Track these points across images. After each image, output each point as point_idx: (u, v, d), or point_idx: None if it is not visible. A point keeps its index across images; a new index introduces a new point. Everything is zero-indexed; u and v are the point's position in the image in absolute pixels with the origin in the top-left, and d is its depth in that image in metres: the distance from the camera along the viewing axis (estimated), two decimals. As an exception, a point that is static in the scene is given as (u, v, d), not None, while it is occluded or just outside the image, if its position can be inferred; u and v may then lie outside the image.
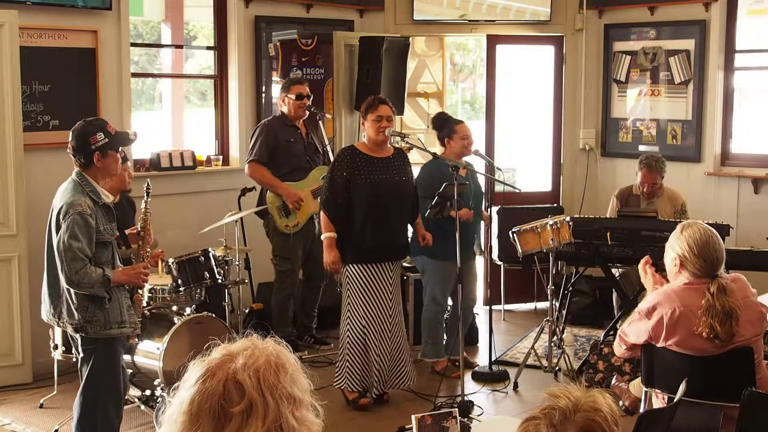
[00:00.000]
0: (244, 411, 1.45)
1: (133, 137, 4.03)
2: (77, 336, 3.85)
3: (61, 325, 3.88)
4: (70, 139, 3.82)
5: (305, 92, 5.88)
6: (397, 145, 5.39)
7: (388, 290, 4.98)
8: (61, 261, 3.67)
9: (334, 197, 4.94)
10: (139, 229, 4.13)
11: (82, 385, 3.91)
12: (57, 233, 3.72)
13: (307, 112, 5.91)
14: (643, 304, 3.44)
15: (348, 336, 4.99)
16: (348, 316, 5.00)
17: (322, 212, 5.01)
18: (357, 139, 6.81)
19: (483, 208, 5.81)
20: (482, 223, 5.97)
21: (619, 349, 3.62)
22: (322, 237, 5.00)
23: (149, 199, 4.14)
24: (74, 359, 4.89)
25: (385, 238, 4.95)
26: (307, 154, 5.94)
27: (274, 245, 5.94)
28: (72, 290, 3.74)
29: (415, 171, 5.69)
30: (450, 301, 5.78)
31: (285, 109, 5.91)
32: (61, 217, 3.70)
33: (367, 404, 5.01)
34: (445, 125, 5.66)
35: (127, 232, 4.24)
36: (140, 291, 4.14)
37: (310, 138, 5.99)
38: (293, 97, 5.83)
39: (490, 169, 5.87)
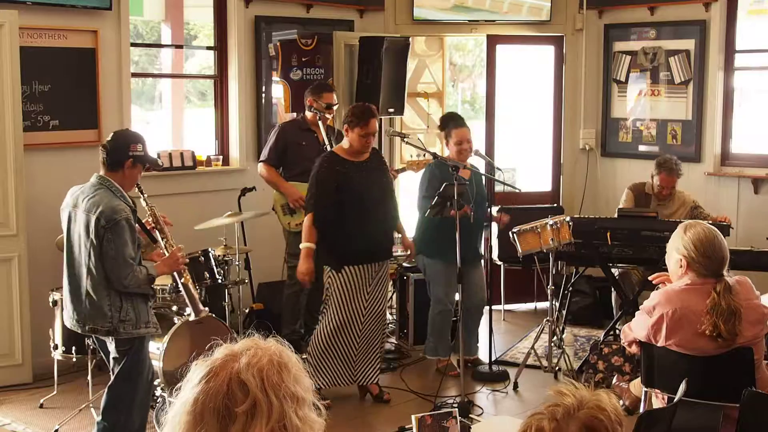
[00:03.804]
0: (249, 410, 1.45)
1: (161, 163, 4.26)
2: (109, 339, 3.90)
3: (88, 330, 3.91)
4: (108, 138, 3.94)
5: (333, 102, 5.85)
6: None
7: (365, 291, 4.97)
8: (112, 267, 3.75)
9: (324, 203, 4.87)
10: (153, 224, 4.15)
11: (111, 382, 3.97)
12: (96, 238, 3.75)
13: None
14: (647, 303, 3.47)
15: (320, 335, 4.97)
16: (324, 315, 4.98)
17: (306, 220, 4.92)
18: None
19: (487, 211, 5.75)
20: (494, 225, 5.95)
21: (624, 336, 3.65)
22: (301, 246, 4.93)
23: (146, 195, 4.17)
24: (73, 360, 4.92)
25: (370, 241, 4.94)
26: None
27: (287, 242, 5.99)
28: (104, 292, 3.80)
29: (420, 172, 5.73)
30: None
31: (309, 113, 5.89)
32: (102, 223, 3.73)
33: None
34: (446, 126, 5.66)
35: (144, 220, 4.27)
36: (185, 275, 4.20)
37: (330, 143, 5.97)
38: (324, 105, 5.80)
39: (490, 169, 5.88)
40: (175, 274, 4.14)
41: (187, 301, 4.27)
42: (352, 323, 4.96)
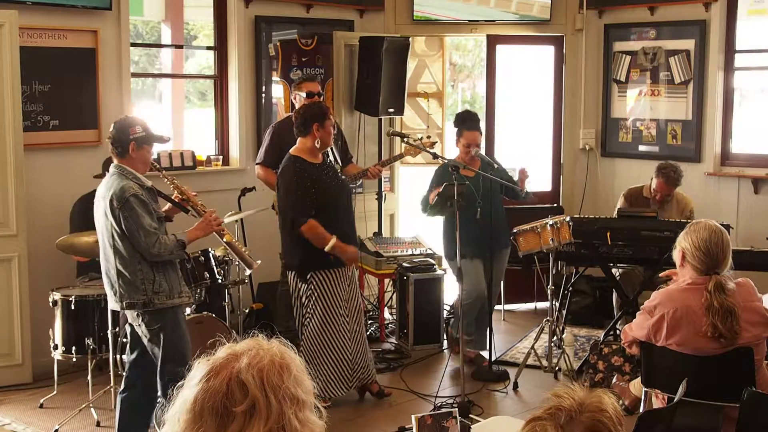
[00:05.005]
0: (247, 410, 1.45)
1: (167, 138, 4.33)
2: (140, 319, 3.99)
3: (126, 306, 4.01)
4: (111, 129, 4.08)
5: (315, 90, 5.81)
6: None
7: (344, 291, 4.97)
8: (138, 240, 3.91)
9: (310, 207, 4.78)
10: (181, 196, 4.24)
11: (160, 362, 4.03)
12: (116, 222, 3.90)
13: None
14: (648, 303, 3.48)
15: (310, 342, 4.92)
16: (310, 321, 4.92)
17: (307, 227, 4.74)
18: (357, 139, 6.82)
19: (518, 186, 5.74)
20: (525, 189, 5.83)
21: (624, 337, 3.66)
22: (328, 247, 4.75)
23: (164, 171, 4.34)
24: (73, 360, 4.92)
25: (346, 241, 4.92)
26: None
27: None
28: (136, 267, 3.94)
29: (428, 171, 5.71)
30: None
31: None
32: (115, 204, 3.90)
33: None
34: (459, 124, 5.66)
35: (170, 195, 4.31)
36: (226, 234, 4.36)
37: None
38: (303, 95, 5.78)
39: (490, 169, 5.87)
40: (216, 235, 4.29)
41: (235, 257, 4.55)
42: (340, 324, 4.93)
